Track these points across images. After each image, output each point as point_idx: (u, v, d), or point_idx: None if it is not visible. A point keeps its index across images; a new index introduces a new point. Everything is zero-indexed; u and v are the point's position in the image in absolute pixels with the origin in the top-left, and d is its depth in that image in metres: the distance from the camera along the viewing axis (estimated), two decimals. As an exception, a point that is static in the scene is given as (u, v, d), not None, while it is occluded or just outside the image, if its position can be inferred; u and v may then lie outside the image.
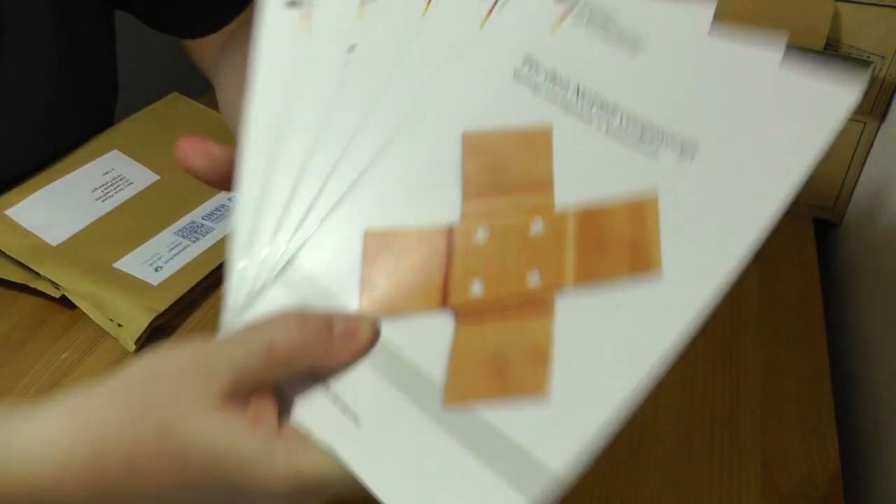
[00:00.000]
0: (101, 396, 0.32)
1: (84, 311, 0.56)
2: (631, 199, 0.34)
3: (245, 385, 0.31)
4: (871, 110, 0.64)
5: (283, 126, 0.38)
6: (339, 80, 0.37)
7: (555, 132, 0.35)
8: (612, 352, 0.32)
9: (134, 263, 0.58)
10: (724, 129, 0.34)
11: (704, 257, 0.33)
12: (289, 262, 0.35)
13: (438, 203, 0.35)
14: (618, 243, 0.33)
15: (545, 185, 0.35)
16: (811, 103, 0.36)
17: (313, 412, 0.33)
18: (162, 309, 0.55)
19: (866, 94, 0.61)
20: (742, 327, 0.59)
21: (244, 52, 0.68)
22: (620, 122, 0.35)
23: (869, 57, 0.61)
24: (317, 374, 0.33)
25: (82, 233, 0.60)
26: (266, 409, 0.32)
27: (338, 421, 0.32)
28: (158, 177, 0.66)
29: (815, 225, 0.70)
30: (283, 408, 0.33)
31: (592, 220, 0.34)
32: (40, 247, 0.58)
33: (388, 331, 0.34)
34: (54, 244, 0.58)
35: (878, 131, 0.65)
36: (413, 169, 0.35)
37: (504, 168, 0.35)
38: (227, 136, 0.73)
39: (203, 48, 0.70)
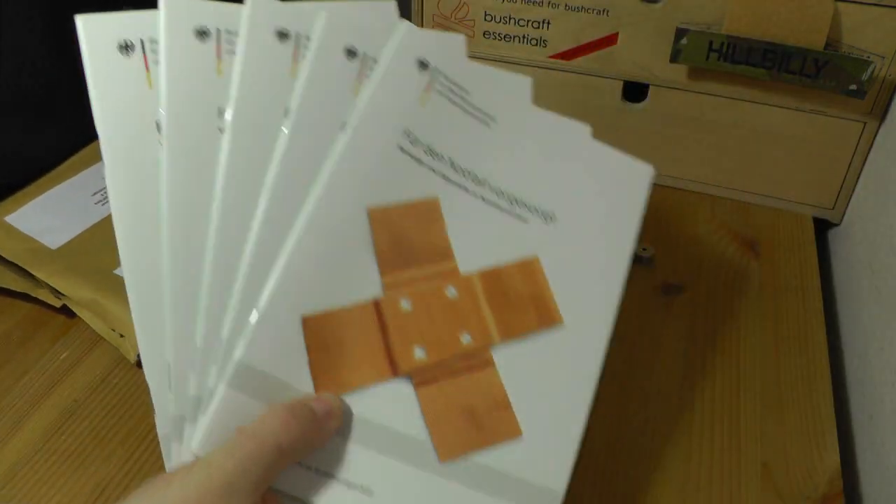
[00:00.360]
0: None
1: (86, 321, 0.55)
2: (518, 259, 0.41)
3: (261, 491, 0.33)
4: (871, 110, 0.64)
5: (155, 201, 0.36)
6: (218, 153, 0.36)
7: (441, 203, 0.40)
8: (554, 390, 0.39)
9: None
10: (568, 198, 0.42)
11: (590, 306, 0.41)
12: (228, 361, 0.35)
13: (360, 279, 0.38)
14: (522, 301, 0.40)
15: (446, 253, 0.40)
16: (623, 170, 0.44)
17: (328, 495, 0.35)
18: None
19: (866, 95, 0.61)
20: (742, 327, 0.59)
21: None
22: (491, 191, 0.41)
23: (869, 57, 0.61)
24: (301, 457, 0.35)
25: (82, 237, 0.60)
26: (276, 502, 0.34)
27: (353, 497, 0.35)
28: None
29: (815, 225, 0.70)
30: (285, 497, 0.35)
31: (495, 281, 0.40)
32: (40, 251, 0.58)
33: (355, 405, 0.36)
34: (54, 248, 0.58)
35: (878, 131, 0.65)
36: (329, 248, 0.37)
37: (408, 240, 0.39)
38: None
39: None
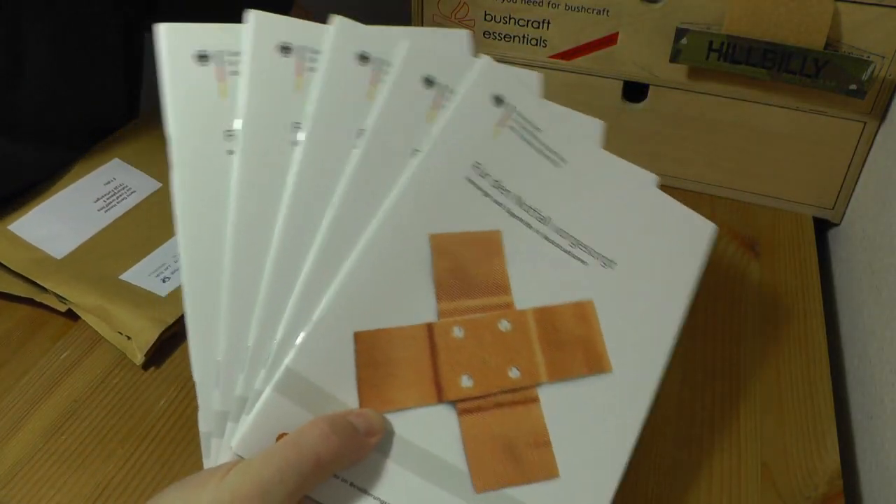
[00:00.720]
0: None
1: (91, 325, 0.55)
2: (574, 301, 0.41)
3: (296, 500, 0.33)
4: (871, 110, 0.64)
5: (224, 206, 0.36)
6: (290, 166, 0.37)
7: (504, 236, 0.40)
8: (597, 433, 0.39)
9: (140, 275, 0.58)
10: (630, 245, 0.42)
11: (641, 355, 0.41)
12: (278, 366, 0.35)
13: (416, 302, 0.38)
14: (572, 344, 0.40)
15: (503, 286, 0.40)
16: (686, 224, 0.45)
17: None
18: (171, 321, 0.54)
19: (866, 95, 0.61)
20: (742, 327, 0.59)
21: None
22: (555, 230, 0.41)
23: (869, 57, 0.61)
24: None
25: (86, 245, 0.60)
26: None
27: None
28: (160, 184, 0.66)
29: (815, 225, 0.70)
30: None
31: (548, 320, 0.40)
32: (45, 260, 0.58)
33: (397, 425, 0.37)
34: (59, 257, 0.58)
35: (878, 131, 0.65)
36: (390, 269, 0.38)
37: (467, 269, 0.39)
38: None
39: None
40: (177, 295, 0.57)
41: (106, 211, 0.63)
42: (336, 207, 0.37)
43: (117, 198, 0.64)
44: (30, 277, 0.56)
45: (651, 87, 0.69)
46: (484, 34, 0.72)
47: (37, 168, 0.64)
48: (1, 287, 0.57)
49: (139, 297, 0.56)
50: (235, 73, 0.37)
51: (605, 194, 0.43)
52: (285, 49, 0.38)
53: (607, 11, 0.67)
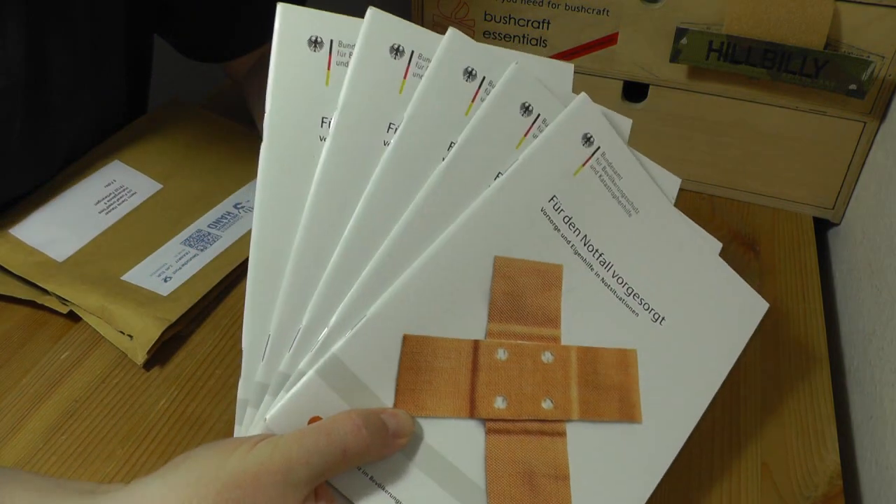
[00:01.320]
0: (175, 493, 0.33)
1: (93, 326, 0.55)
2: (617, 346, 0.41)
3: (317, 483, 0.34)
4: (871, 110, 0.64)
5: (313, 191, 0.37)
6: (377, 164, 0.38)
7: (564, 272, 0.41)
8: (616, 478, 0.40)
9: (142, 275, 0.58)
10: (683, 306, 0.43)
11: (673, 412, 0.42)
12: (325, 352, 0.36)
13: (468, 318, 0.39)
14: (609, 388, 0.41)
15: (555, 320, 0.40)
16: (741, 297, 0.46)
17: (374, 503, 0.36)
18: (174, 319, 0.54)
19: (866, 95, 0.61)
20: (742, 327, 0.59)
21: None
22: (614, 276, 0.42)
23: (869, 57, 0.61)
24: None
25: (88, 247, 0.60)
26: (329, 496, 0.35)
27: None
28: (161, 185, 0.66)
29: (815, 225, 0.70)
30: (335, 492, 0.36)
31: (590, 359, 0.41)
32: (46, 263, 0.58)
33: (426, 431, 0.37)
34: (60, 260, 0.58)
35: (878, 131, 0.65)
36: (450, 281, 0.38)
37: (522, 297, 0.40)
38: (228, 140, 0.73)
39: (235, 63, 0.72)
40: (179, 294, 0.57)
41: (107, 213, 0.62)
42: (409, 213, 0.38)
43: (118, 199, 0.64)
44: (31, 280, 0.56)
45: (651, 87, 0.69)
46: (484, 34, 0.72)
47: (50, 168, 0.64)
48: (2, 290, 0.57)
49: (141, 297, 0.56)
50: (344, 63, 0.38)
51: (669, 252, 0.43)
52: (396, 50, 0.38)
53: (607, 11, 0.67)
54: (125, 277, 0.58)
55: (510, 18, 0.70)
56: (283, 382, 0.37)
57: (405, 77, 0.39)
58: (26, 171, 0.61)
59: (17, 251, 0.58)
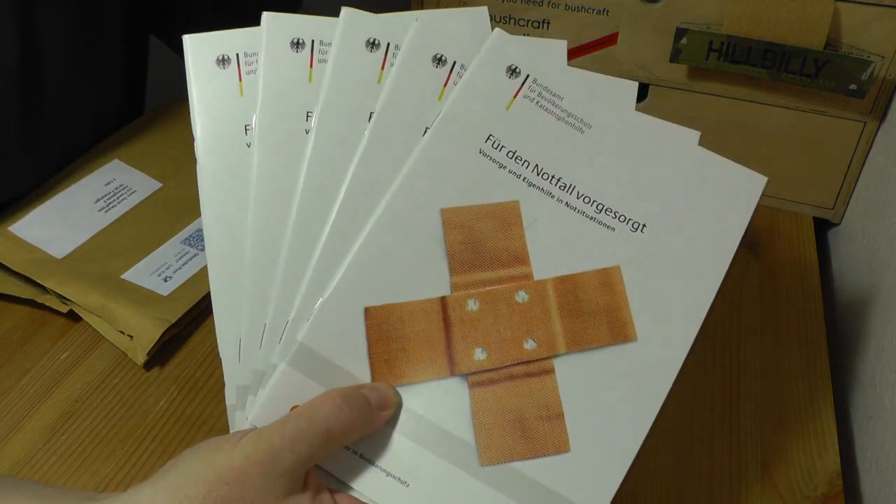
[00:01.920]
0: (164, 497, 0.33)
1: (93, 325, 0.55)
2: (598, 268, 0.39)
3: (305, 468, 0.35)
4: (871, 110, 0.64)
5: (245, 193, 0.39)
6: (303, 151, 0.39)
7: (522, 207, 0.39)
8: (614, 407, 0.38)
9: (142, 274, 0.58)
10: (665, 207, 0.40)
11: (671, 323, 0.39)
12: (292, 342, 0.37)
13: (428, 277, 0.38)
14: (595, 312, 0.39)
15: (522, 257, 0.39)
16: (732, 179, 0.42)
17: (365, 483, 0.36)
18: (174, 319, 0.54)
19: (866, 95, 0.61)
20: (742, 327, 0.59)
21: None
22: (578, 197, 0.40)
23: (869, 57, 0.61)
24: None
25: (87, 244, 0.60)
26: (318, 482, 0.35)
27: (390, 486, 0.36)
28: (160, 184, 0.66)
29: (815, 225, 0.70)
30: (325, 475, 0.37)
31: (569, 288, 0.39)
32: (46, 261, 0.58)
33: (407, 398, 0.37)
34: (59, 257, 0.58)
35: (878, 131, 0.65)
36: (399, 244, 0.38)
37: (482, 242, 0.39)
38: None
39: None
40: (179, 294, 0.57)
41: (106, 211, 0.63)
42: (345, 188, 0.38)
43: (118, 198, 0.64)
44: (31, 277, 0.56)
45: (651, 87, 0.69)
46: (484, 34, 0.72)
47: (47, 169, 0.64)
48: (2, 289, 0.57)
49: (141, 297, 0.56)
50: (253, 72, 0.40)
51: (638, 156, 0.41)
52: (297, 44, 0.40)
53: (607, 11, 0.67)
54: (125, 276, 0.58)
55: (510, 18, 0.70)
56: (261, 380, 0.37)
57: (382, 68, 0.40)
58: (23, 169, 0.62)
59: (16, 248, 0.58)
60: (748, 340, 0.58)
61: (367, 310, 0.37)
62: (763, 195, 0.74)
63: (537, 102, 0.40)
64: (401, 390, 0.37)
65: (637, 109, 0.71)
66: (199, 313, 0.58)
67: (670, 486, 0.48)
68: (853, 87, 0.61)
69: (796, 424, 0.52)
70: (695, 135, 0.41)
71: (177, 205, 0.64)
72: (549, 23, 0.69)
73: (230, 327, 0.38)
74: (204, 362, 0.54)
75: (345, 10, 0.40)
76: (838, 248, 0.70)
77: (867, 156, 0.67)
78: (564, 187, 0.40)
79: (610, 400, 0.38)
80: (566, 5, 0.68)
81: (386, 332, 0.37)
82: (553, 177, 0.40)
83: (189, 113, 0.73)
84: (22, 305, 0.58)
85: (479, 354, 0.38)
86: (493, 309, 0.38)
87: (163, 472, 0.34)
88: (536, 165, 0.40)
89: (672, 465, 0.49)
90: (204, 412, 0.51)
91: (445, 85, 0.40)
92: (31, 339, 0.56)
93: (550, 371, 0.38)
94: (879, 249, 0.59)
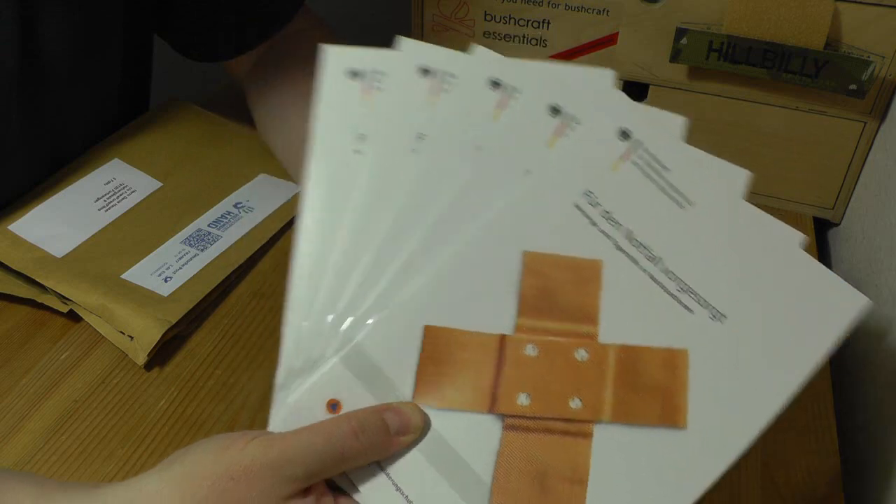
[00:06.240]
0: (170, 488, 0.34)
1: (93, 325, 0.55)
2: (665, 346, 0.38)
3: (311, 482, 0.35)
4: (871, 110, 0.64)
5: (349, 196, 0.41)
6: (410, 169, 0.41)
7: (605, 267, 0.39)
8: (640, 489, 0.36)
9: (142, 274, 0.58)
10: (752, 302, 0.39)
11: (728, 422, 0.37)
12: (349, 340, 0.38)
13: (495, 312, 0.39)
14: (650, 390, 0.38)
15: (592, 317, 0.39)
16: (831, 292, 0.39)
17: (373, 492, 0.37)
18: (174, 320, 0.54)
19: (866, 95, 0.61)
20: (742, 327, 0.59)
21: (277, 66, 0.69)
22: (663, 271, 0.39)
23: (869, 57, 0.61)
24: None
25: (87, 243, 0.60)
26: (322, 487, 0.36)
27: (396, 500, 0.37)
28: (161, 184, 0.66)
29: (815, 225, 0.70)
30: (337, 483, 0.37)
31: (630, 359, 0.38)
32: (46, 259, 0.58)
33: (437, 420, 0.38)
34: (60, 256, 0.58)
35: (878, 131, 0.65)
36: (476, 275, 0.39)
37: (557, 293, 0.39)
38: (228, 140, 0.73)
39: (235, 62, 0.72)
40: (179, 294, 0.57)
41: (106, 210, 0.63)
42: (441, 212, 0.40)
43: (118, 197, 0.64)
44: (30, 276, 0.56)
45: (651, 87, 0.69)
46: (484, 34, 0.72)
47: (46, 168, 0.64)
48: (2, 288, 0.57)
49: (141, 297, 0.56)
50: (379, 88, 0.42)
51: (735, 245, 0.40)
52: (426, 72, 0.42)
53: (607, 11, 0.67)
54: (125, 276, 0.58)
55: (510, 18, 0.70)
56: (311, 368, 0.39)
57: (434, 93, 0.42)
58: (23, 168, 0.61)
59: (15, 247, 0.58)
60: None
61: (427, 328, 0.38)
62: (763, 195, 0.74)
63: (643, 170, 0.40)
64: (436, 411, 0.38)
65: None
66: (199, 313, 0.58)
67: (670, 486, 0.48)
68: (853, 87, 0.61)
69: (796, 424, 0.52)
70: (799, 237, 0.40)
71: (177, 204, 0.64)
72: (549, 23, 0.69)
73: (298, 315, 0.39)
74: (204, 362, 0.54)
75: (477, 48, 0.43)
76: (838, 248, 0.70)
77: (867, 156, 0.67)
78: (652, 258, 0.39)
79: (639, 481, 0.37)
80: (566, 5, 0.68)
81: (439, 353, 0.38)
82: (642, 245, 0.39)
83: (192, 112, 0.74)
84: (22, 305, 0.58)
85: (523, 399, 0.38)
86: (550, 359, 0.38)
87: (168, 463, 0.34)
88: (629, 230, 0.40)
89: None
90: (204, 412, 0.51)
91: (557, 134, 0.41)
92: (31, 339, 0.56)
93: (588, 435, 0.37)
94: (879, 249, 0.59)
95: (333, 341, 0.39)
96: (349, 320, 0.39)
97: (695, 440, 0.37)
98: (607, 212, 0.40)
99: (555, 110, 0.41)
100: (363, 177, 0.41)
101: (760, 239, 0.40)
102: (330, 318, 0.39)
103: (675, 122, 0.42)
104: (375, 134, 0.41)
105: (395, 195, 0.40)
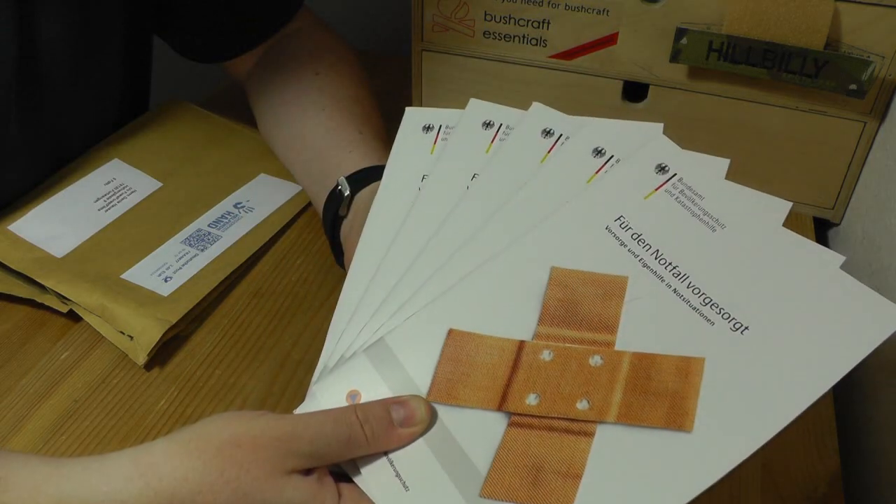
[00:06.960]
0: (177, 449, 0.35)
1: (93, 325, 0.55)
2: (681, 354, 0.39)
3: (316, 465, 0.37)
4: (871, 110, 0.64)
5: (404, 222, 0.45)
6: (458, 199, 0.45)
7: (630, 284, 0.41)
8: (634, 487, 0.36)
9: (142, 274, 0.58)
10: (776, 313, 0.39)
11: (733, 430, 0.37)
12: (378, 339, 0.41)
13: (517, 320, 0.41)
14: (660, 394, 0.38)
15: (612, 327, 0.40)
16: (863, 310, 0.39)
17: (372, 474, 0.38)
18: (174, 320, 0.54)
19: (866, 95, 0.61)
20: (742, 327, 0.59)
21: (277, 66, 0.69)
22: (688, 287, 0.40)
23: (869, 57, 0.61)
24: None
25: (87, 244, 0.60)
26: (324, 469, 0.37)
27: (392, 485, 0.38)
28: (161, 184, 0.66)
29: (815, 225, 0.70)
30: (343, 468, 0.38)
31: (644, 365, 0.39)
32: (46, 259, 0.58)
33: (447, 415, 0.40)
34: (59, 256, 0.58)
35: (878, 131, 0.65)
36: (503, 286, 0.41)
37: (580, 304, 0.41)
38: (228, 140, 0.73)
39: (235, 62, 0.72)
40: (179, 295, 0.57)
41: (106, 210, 0.63)
42: (481, 236, 0.43)
43: (118, 197, 0.64)
44: (30, 276, 0.56)
45: (651, 87, 0.69)
46: (484, 34, 0.72)
47: (46, 168, 0.64)
48: (2, 288, 0.57)
49: (141, 297, 0.56)
50: (446, 139, 0.49)
51: (766, 263, 0.40)
52: (488, 125, 0.48)
53: (607, 11, 0.67)
54: (125, 276, 0.58)
55: (510, 18, 0.70)
56: (342, 364, 0.41)
57: (492, 141, 0.48)
58: (23, 168, 0.62)
59: (15, 247, 0.58)
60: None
61: (451, 331, 0.40)
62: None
63: (677, 198, 0.42)
64: (445, 408, 0.39)
65: (637, 110, 0.72)
66: (199, 313, 0.58)
67: (670, 486, 0.48)
68: (853, 87, 0.61)
69: (796, 425, 0.52)
70: (838, 259, 0.40)
71: (177, 204, 0.64)
72: (549, 23, 0.69)
73: (343, 317, 0.43)
74: (204, 362, 0.54)
75: (535, 106, 0.48)
76: (838, 248, 0.70)
77: (867, 156, 0.67)
78: (678, 275, 0.41)
79: (633, 479, 0.36)
80: (566, 5, 0.68)
81: (459, 355, 0.40)
82: (670, 263, 0.41)
83: (192, 112, 0.74)
84: (22, 305, 0.58)
85: (532, 399, 0.39)
86: (564, 364, 0.39)
87: (180, 430, 0.36)
88: (657, 251, 0.41)
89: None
90: (204, 412, 0.51)
91: (597, 171, 0.44)
92: (31, 339, 0.56)
93: (590, 434, 0.38)
94: (879, 249, 0.59)
95: (362, 340, 0.42)
96: (382, 325, 0.42)
97: (698, 444, 0.37)
98: (637, 234, 0.42)
99: (599, 152, 0.45)
100: (418, 205, 0.46)
101: (795, 258, 0.40)
102: (366, 321, 0.42)
103: (719, 165, 0.44)
104: (437, 173, 0.47)
105: (441, 220, 0.45)
